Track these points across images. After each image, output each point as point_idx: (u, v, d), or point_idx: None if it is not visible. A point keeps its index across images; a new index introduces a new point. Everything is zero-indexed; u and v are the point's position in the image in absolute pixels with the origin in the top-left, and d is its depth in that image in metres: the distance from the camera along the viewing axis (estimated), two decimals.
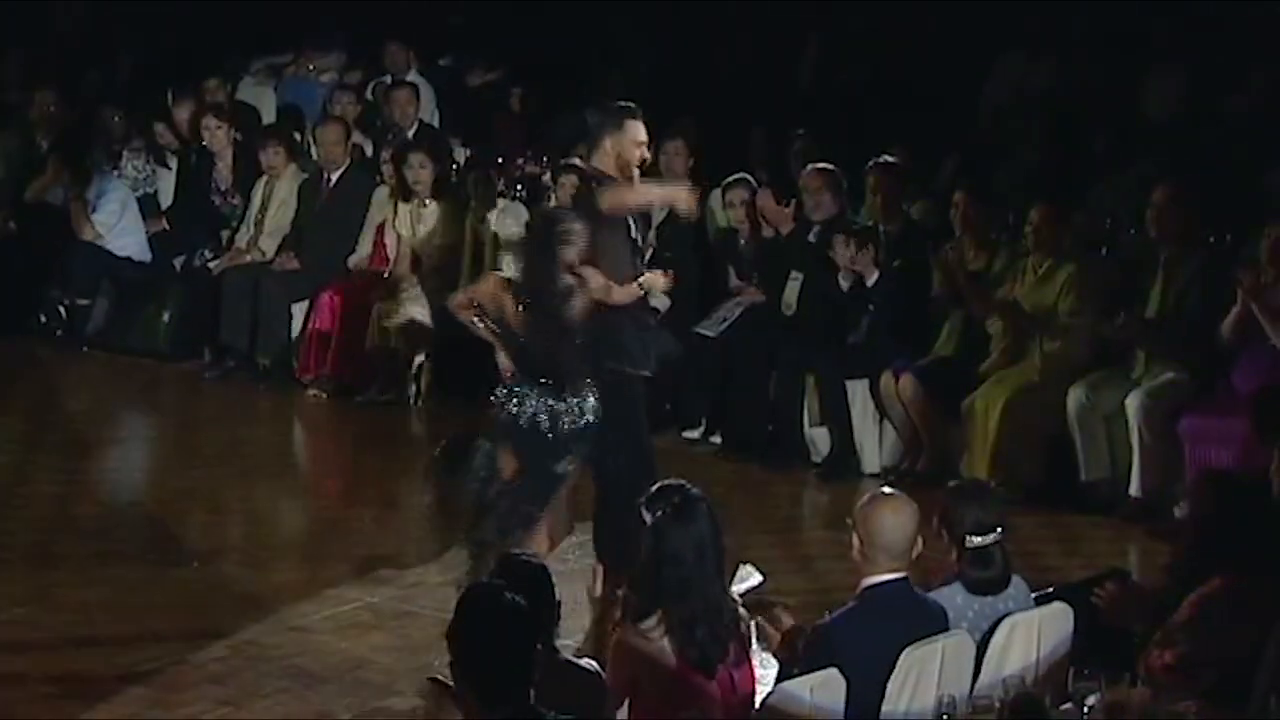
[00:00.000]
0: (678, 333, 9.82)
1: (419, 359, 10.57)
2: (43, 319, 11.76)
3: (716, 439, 9.79)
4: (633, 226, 7.03)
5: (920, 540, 5.16)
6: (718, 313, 9.98)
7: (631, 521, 6.47)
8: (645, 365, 6.99)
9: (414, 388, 10.57)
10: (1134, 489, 8.54)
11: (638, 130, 6.90)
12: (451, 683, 4.38)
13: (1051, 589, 5.81)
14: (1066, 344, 8.91)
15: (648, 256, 7.21)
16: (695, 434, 9.83)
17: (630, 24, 12.81)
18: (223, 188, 11.60)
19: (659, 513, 4.91)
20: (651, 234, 8.52)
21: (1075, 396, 8.67)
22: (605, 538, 6.83)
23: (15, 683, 6.43)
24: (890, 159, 9.78)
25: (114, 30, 13.57)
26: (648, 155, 7.07)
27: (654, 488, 5.03)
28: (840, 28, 12.13)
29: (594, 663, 5.09)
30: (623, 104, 7.12)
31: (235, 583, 7.52)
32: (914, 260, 9.49)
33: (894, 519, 5.11)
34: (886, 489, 5.28)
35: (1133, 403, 8.50)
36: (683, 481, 5.07)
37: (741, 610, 5.13)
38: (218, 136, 11.46)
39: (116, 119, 12.03)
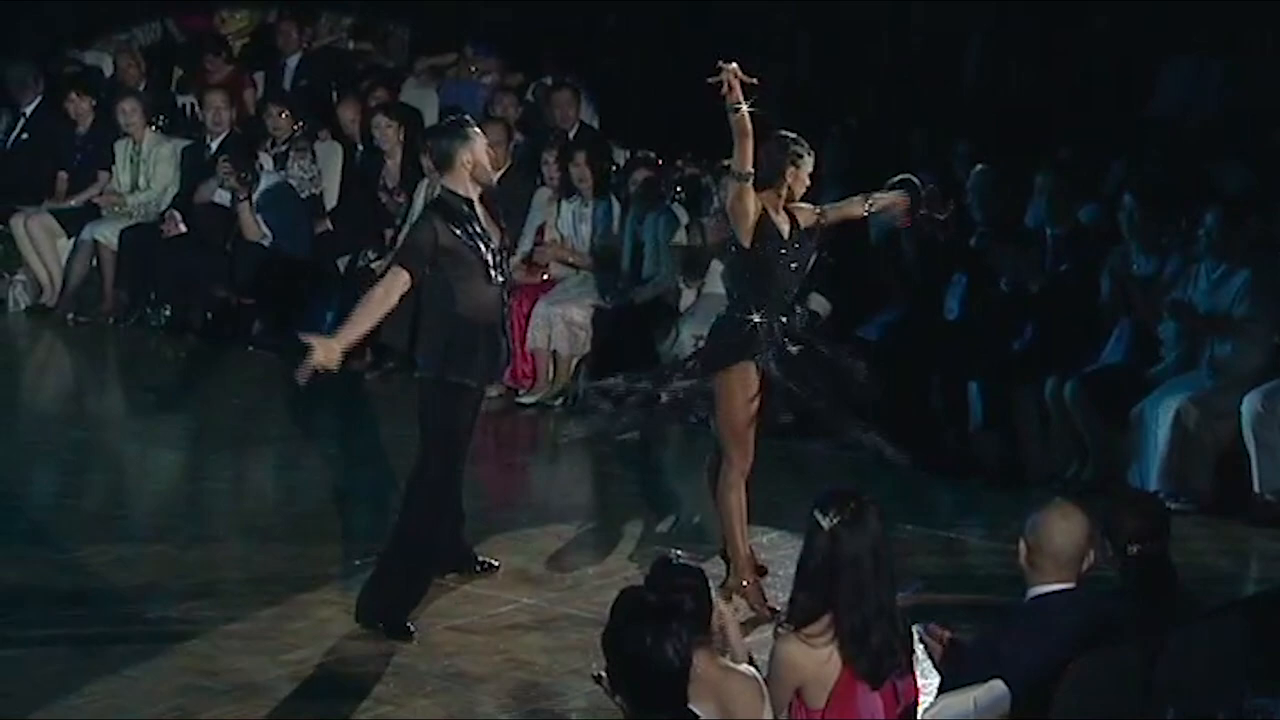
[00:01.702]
0: (838, 335, 9.77)
1: (576, 360, 10.61)
2: (209, 318, 11.97)
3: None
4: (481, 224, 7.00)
5: (1091, 554, 5.04)
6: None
7: (412, 528, 6.87)
8: (489, 379, 7.14)
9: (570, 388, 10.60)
10: None
11: (481, 136, 7.05)
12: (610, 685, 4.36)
13: (1225, 603, 5.67)
14: (1241, 350, 8.68)
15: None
16: None
17: (789, 22, 12.74)
18: (390, 185, 11.71)
19: (835, 518, 4.84)
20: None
21: (1250, 405, 8.44)
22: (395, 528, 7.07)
23: (181, 679, 6.52)
24: (1059, 160, 9.60)
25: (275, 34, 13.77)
26: (494, 154, 7.31)
27: (826, 493, 4.95)
28: (1005, 27, 11.96)
29: (752, 668, 5.02)
30: (457, 117, 7.32)
31: None
32: (1082, 264, 9.31)
33: (1064, 525, 5.02)
34: (1057, 498, 5.17)
35: None
36: (854, 487, 4.99)
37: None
38: (388, 135, 11.59)
39: (283, 118, 12.19)
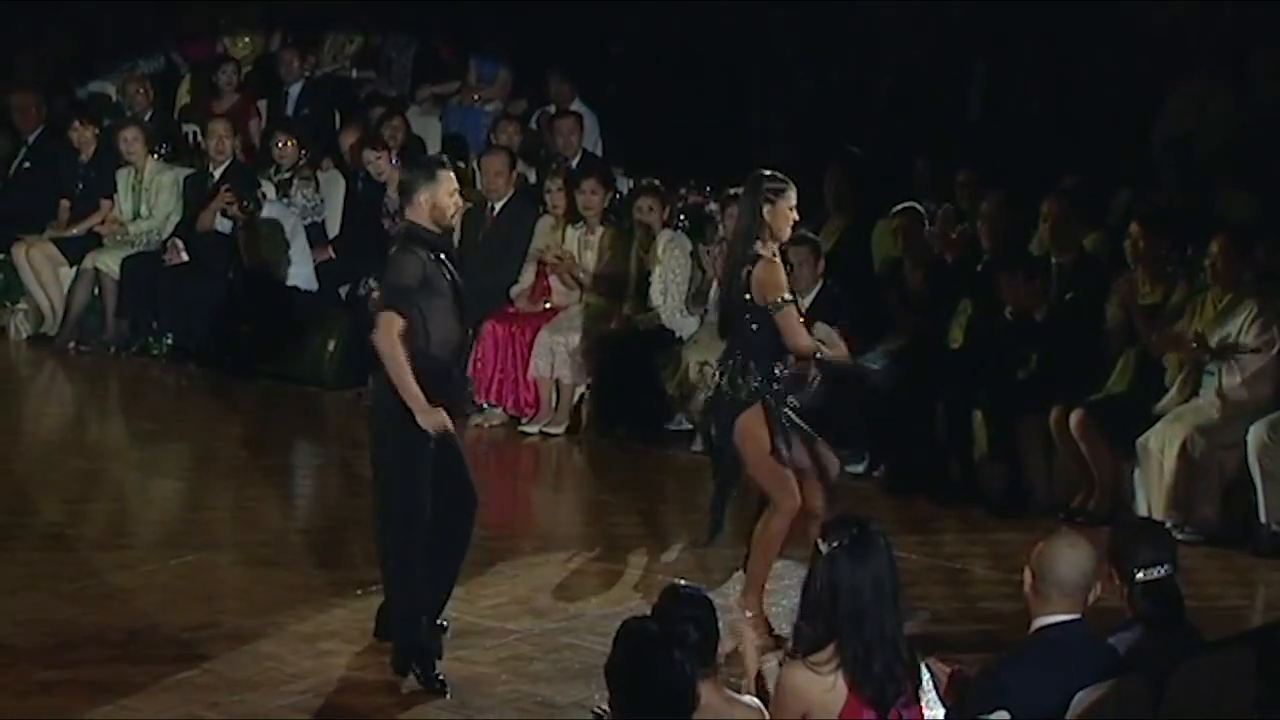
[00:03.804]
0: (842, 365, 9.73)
1: (580, 389, 10.59)
2: (211, 346, 11.95)
3: (880, 474, 9.65)
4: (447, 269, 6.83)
5: (1097, 585, 5.01)
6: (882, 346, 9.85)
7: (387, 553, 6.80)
8: (450, 409, 6.91)
9: (575, 418, 10.59)
10: None
11: (450, 180, 6.84)
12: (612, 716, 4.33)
13: (1232, 634, 5.63)
14: (1247, 380, 8.65)
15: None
16: (859, 469, 9.69)
17: (793, 49, 12.75)
18: (391, 210, 11.69)
19: (836, 544, 4.80)
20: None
21: (1256, 435, 8.41)
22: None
23: (183, 709, 6.49)
24: (1064, 188, 9.58)
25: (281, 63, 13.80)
26: (460, 203, 7.02)
27: (832, 519, 4.93)
28: (1009, 55, 11.95)
29: (756, 699, 4.99)
30: (434, 156, 7.10)
31: None
32: (1086, 293, 9.28)
33: (1069, 554, 4.98)
34: (1063, 528, 5.14)
35: None
36: (861, 514, 4.96)
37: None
38: (380, 165, 11.59)
39: (290, 146, 12.20)
